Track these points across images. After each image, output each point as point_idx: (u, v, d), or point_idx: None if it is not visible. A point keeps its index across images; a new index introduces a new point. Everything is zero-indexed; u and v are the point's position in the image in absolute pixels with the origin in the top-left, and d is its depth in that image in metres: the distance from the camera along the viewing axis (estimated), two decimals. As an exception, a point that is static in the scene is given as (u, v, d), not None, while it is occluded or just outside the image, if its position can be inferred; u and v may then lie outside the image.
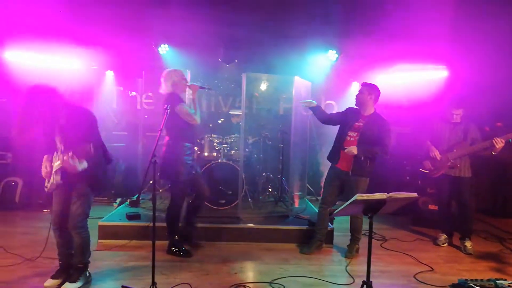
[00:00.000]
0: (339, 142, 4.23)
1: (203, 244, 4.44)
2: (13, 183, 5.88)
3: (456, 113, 4.57)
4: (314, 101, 4.46)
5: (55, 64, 6.46)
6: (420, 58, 6.61)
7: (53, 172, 3.11)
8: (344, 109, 4.44)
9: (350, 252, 4.32)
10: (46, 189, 3.20)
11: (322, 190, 4.60)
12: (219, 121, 6.41)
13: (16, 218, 5.35)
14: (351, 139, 4.14)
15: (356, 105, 4.26)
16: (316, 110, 4.45)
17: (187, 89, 4.20)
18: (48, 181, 3.16)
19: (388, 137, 4.11)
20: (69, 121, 3.03)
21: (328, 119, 4.47)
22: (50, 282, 3.30)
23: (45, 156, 3.20)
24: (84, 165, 2.98)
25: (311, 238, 4.45)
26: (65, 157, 2.93)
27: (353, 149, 3.99)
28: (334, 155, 4.30)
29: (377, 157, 4.08)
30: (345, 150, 4.03)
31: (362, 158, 4.03)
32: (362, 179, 4.14)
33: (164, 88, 4.06)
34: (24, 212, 5.55)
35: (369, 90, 4.16)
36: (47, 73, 6.13)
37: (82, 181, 3.16)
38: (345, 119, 4.28)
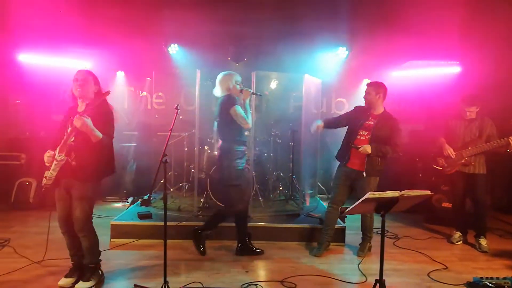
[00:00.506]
0: (349, 141, 4.18)
1: (215, 244, 4.45)
2: (27, 184, 5.96)
3: (469, 111, 4.50)
4: (318, 121, 4.34)
5: (67, 65, 6.53)
6: (433, 54, 6.51)
7: (53, 165, 3.06)
8: (352, 108, 4.40)
9: (362, 250, 4.29)
10: (43, 184, 3.12)
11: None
12: None
13: (30, 218, 5.42)
14: (362, 138, 4.10)
15: (365, 106, 4.23)
16: (326, 125, 4.36)
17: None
18: (45, 177, 3.11)
19: (399, 136, 4.09)
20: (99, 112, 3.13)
21: (337, 124, 4.41)
22: (64, 281, 3.34)
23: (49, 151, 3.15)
24: (99, 133, 3.04)
25: (320, 240, 4.40)
26: (84, 119, 2.95)
27: (367, 148, 3.95)
28: (344, 154, 4.25)
29: (388, 156, 4.04)
30: (359, 149, 3.98)
31: (375, 157, 3.99)
32: (372, 178, 4.10)
33: (219, 92, 4.10)
34: (38, 212, 5.62)
35: (376, 89, 4.12)
36: (59, 74, 6.22)
37: (83, 180, 3.16)
38: (354, 118, 4.23)
